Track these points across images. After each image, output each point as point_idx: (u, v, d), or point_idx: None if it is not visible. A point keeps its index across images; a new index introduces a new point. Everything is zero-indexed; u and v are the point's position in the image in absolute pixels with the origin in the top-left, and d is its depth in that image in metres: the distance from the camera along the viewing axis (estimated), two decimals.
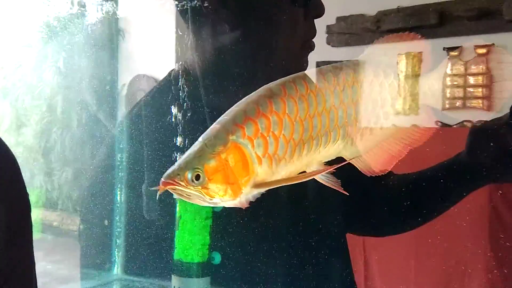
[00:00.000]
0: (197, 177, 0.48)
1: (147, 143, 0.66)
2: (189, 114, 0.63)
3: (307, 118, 0.52)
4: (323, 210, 0.67)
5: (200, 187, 0.48)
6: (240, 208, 0.59)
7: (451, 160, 0.79)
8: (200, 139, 0.51)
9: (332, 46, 3.09)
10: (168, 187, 0.48)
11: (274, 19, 0.65)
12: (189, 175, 0.48)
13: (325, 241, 0.70)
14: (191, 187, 0.48)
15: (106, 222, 0.66)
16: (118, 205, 0.66)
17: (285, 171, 0.52)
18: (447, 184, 0.79)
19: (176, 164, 0.49)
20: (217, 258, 0.60)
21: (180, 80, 0.67)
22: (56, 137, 4.18)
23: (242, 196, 0.51)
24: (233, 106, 0.53)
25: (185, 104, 0.63)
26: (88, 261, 0.68)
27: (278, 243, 0.67)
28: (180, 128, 0.62)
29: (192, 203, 0.56)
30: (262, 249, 0.65)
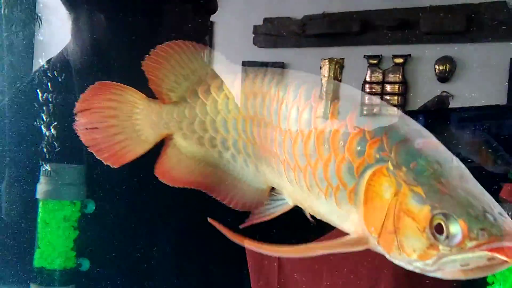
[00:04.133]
0: None
1: (12, 139, 0.60)
2: (58, 107, 0.57)
3: None
4: (210, 214, 0.63)
5: None
6: (114, 210, 0.53)
7: None
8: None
9: (259, 46, 3.12)
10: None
11: (154, 12, 0.61)
12: None
13: (212, 248, 0.67)
14: None
15: None
16: None
17: None
18: None
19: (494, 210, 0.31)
20: (85, 264, 0.54)
21: (55, 70, 0.62)
22: None
23: None
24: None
25: (55, 96, 0.57)
26: None
27: (158, 248, 0.63)
28: (52, 124, 0.57)
29: (57, 204, 0.49)
30: (138, 255, 0.61)
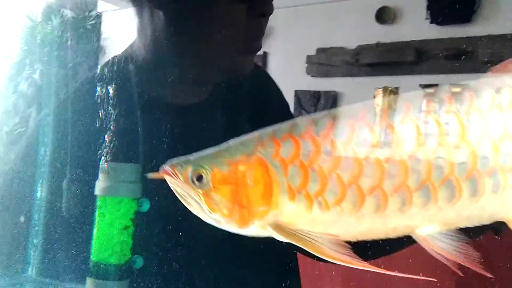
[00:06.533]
0: (199, 178, 0.40)
1: (73, 136, 0.62)
2: (122, 107, 0.59)
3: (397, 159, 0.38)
4: None
5: (200, 191, 0.40)
6: (168, 210, 0.53)
7: None
8: (230, 140, 0.42)
9: (312, 76, 3.14)
10: (165, 176, 0.41)
11: (208, 11, 0.61)
12: (190, 171, 0.40)
13: (264, 253, 0.66)
14: (189, 187, 0.40)
15: (22, 219, 0.61)
16: (37, 201, 0.61)
17: (341, 227, 0.38)
18: None
19: (191, 155, 0.41)
20: (139, 261, 0.55)
21: (118, 68, 0.64)
22: None
23: (253, 228, 0.40)
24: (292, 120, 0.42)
25: (118, 95, 0.59)
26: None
27: (209, 251, 0.62)
28: (111, 121, 0.58)
29: (114, 201, 0.51)
30: (189, 256, 0.61)
